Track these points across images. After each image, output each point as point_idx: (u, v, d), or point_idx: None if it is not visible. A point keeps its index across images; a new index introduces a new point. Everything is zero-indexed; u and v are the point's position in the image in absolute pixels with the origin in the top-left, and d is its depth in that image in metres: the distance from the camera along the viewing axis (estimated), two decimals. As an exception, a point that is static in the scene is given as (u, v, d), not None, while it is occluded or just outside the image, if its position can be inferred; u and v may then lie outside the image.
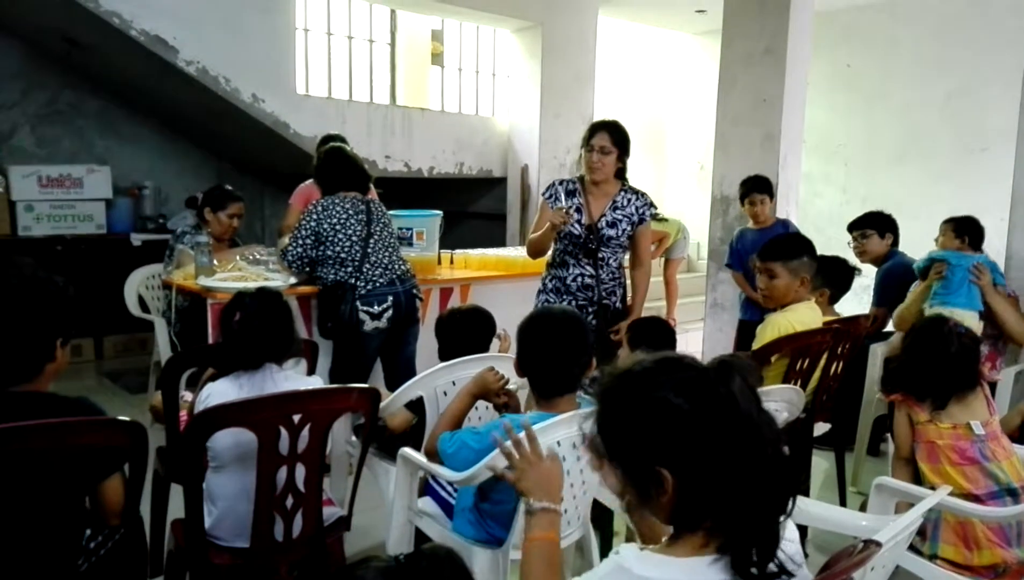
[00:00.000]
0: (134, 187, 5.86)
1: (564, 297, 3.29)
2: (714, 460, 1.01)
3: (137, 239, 5.57)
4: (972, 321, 3.45)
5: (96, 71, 5.66)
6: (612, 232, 3.27)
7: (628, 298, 3.44)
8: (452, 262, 4.61)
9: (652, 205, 3.37)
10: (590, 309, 3.28)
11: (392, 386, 3.13)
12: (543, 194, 3.39)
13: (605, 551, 2.54)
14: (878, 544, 1.22)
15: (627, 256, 3.44)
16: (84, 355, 5.43)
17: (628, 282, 3.45)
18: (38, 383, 1.72)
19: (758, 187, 4.61)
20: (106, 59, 5.32)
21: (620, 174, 3.31)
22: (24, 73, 5.52)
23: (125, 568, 1.81)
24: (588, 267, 3.29)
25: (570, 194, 3.31)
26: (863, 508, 2.36)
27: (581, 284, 3.29)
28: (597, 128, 3.26)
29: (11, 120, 5.52)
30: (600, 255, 3.28)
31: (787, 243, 3.07)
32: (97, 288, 4.57)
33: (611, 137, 3.22)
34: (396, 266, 3.40)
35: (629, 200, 3.31)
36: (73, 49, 5.20)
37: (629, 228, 3.30)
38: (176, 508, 2.08)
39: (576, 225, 3.24)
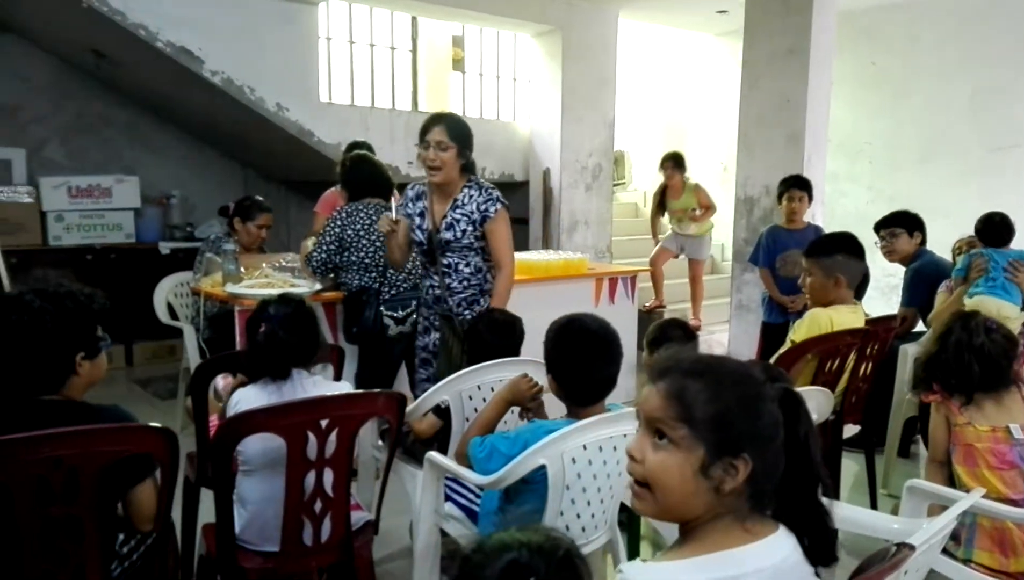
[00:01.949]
0: (162, 196, 5.94)
1: (430, 309, 3.09)
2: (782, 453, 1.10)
3: (165, 247, 5.65)
4: (1013, 312, 3.39)
5: (124, 83, 5.75)
6: (449, 234, 2.94)
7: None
8: (475, 267, 4.60)
9: (498, 199, 2.97)
10: (435, 322, 3.06)
11: (417, 391, 3.15)
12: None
13: (632, 555, 2.53)
14: (911, 547, 1.21)
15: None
16: (115, 362, 5.50)
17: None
18: (66, 393, 1.75)
19: (799, 184, 4.59)
20: (133, 71, 5.40)
21: (468, 170, 2.99)
22: (54, 86, 5.63)
23: (157, 572, 1.84)
24: (434, 277, 3.02)
25: (418, 198, 3.04)
26: (895, 511, 2.32)
27: (433, 296, 3.03)
28: (432, 122, 2.90)
29: (41, 132, 5.62)
30: (446, 261, 2.97)
31: (824, 240, 3.06)
32: (127, 296, 4.64)
33: (448, 132, 2.87)
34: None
35: (471, 197, 2.95)
36: (101, 62, 5.29)
37: (470, 228, 2.93)
38: (207, 513, 2.10)
39: (418, 231, 3.00)
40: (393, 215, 3.02)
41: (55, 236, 5.36)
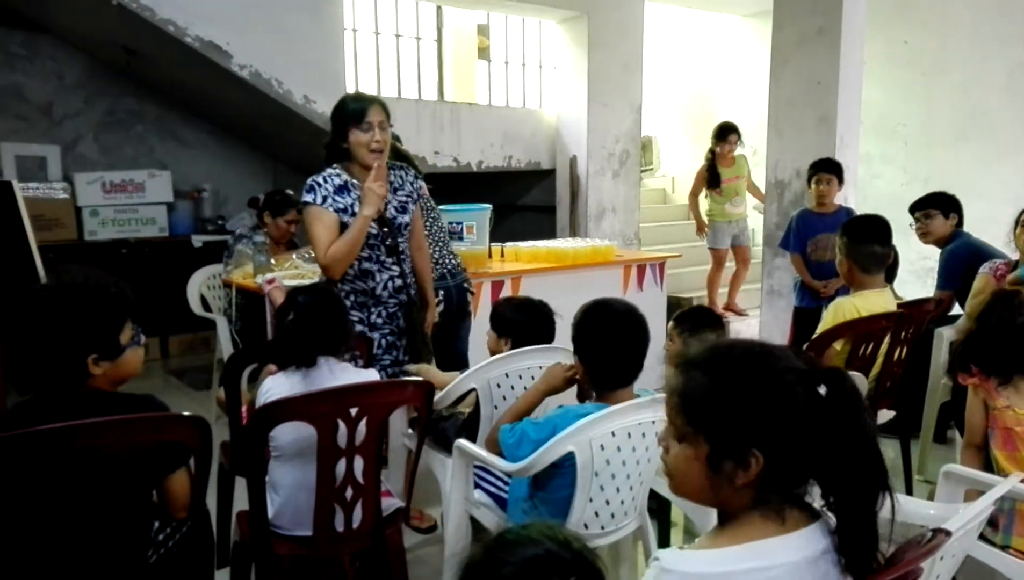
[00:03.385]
0: (193, 190, 6.02)
1: (372, 310, 2.81)
2: (809, 448, 1.03)
3: (198, 241, 5.73)
4: None
5: (154, 78, 5.83)
6: (405, 218, 2.83)
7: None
8: (503, 255, 4.62)
9: (419, 175, 2.95)
10: (399, 313, 2.85)
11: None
12: (308, 200, 2.69)
13: (663, 541, 2.53)
14: (948, 533, 1.19)
15: None
16: (150, 354, 5.61)
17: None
18: (92, 386, 1.72)
19: (828, 167, 4.53)
20: (163, 67, 5.47)
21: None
22: (86, 83, 5.72)
23: (193, 559, 1.87)
24: (395, 267, 2.81)
25: (342, 190, 2.71)
26: (930, 497, 2.29)
27: (393, 288, 2.82)
28: (367, 103, 2.68)
29: (75, 129, 5.72)
30: (401, 249, 2.84)
31: (852, 222, 3.03)
32: (161, 289, 4.72)
33: (385, 111, 2.70)
34: (447, 260, 3.42)
35: (402, 178, 2.87)
36: (131, 58, 5.36)
37: (413, 207, 2.87)
38: (241, 501, 2.14)
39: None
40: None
41: (90, 231, 5.46)
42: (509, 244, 4.70)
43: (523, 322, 2.65)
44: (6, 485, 1.56)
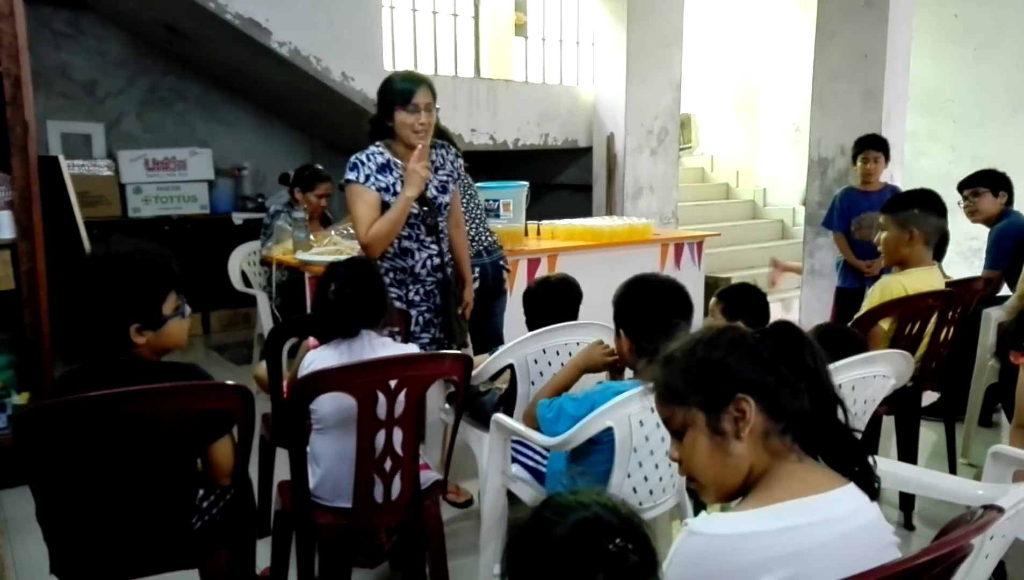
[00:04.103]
0: (234, 168, 6.08)
1: (411, 287, 2.83)
2: (778, 379, 1.13)
3: (238, 218, 5.80)
4: None
5: (195, 57, 5.89)
6: (446, 198, 2.84)
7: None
8: (539, 233, 4.60)
9: (459, 153, 2.97)
10: (436, 291, 2.85)
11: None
12: (351, 178, 2.71)
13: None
14: (1000, 509, 1.16)
15: None
16: (192, 330, 5.69)
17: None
18: (137, 354, 1.75)
19: (874, 144, 4.39)
20: (204, 44, 5.51)
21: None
22: (129, 62, 5.80)
23: (236, 526, 1.91)
24: (433, 246, 2.82)
25: (385, 168, 2.72)
26: (976, 480, 2.24)
27: (432, 267, 2.83)
28: (415, 84, 2.67)
29: (118, 107, 5.81)
30: (440, 228, 2.85)
31: (901, 195, 2.95)
32: (202, 266, 4.79)
33: (432, 92, 2.70)
34: (483, 237, 3.41)
35: (443, 157, 2.87)
36: (173, 36, 5.42)
37: (453, 187, 2.89)
38: (282, 471, 2.17)
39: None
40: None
41: (134, 208, 5.56)
42: (545, 222, 4.67)
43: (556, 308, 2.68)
44: (57, 450, 1.60)
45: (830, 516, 1.06)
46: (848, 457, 1.14)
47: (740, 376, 1.12)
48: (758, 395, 1.11)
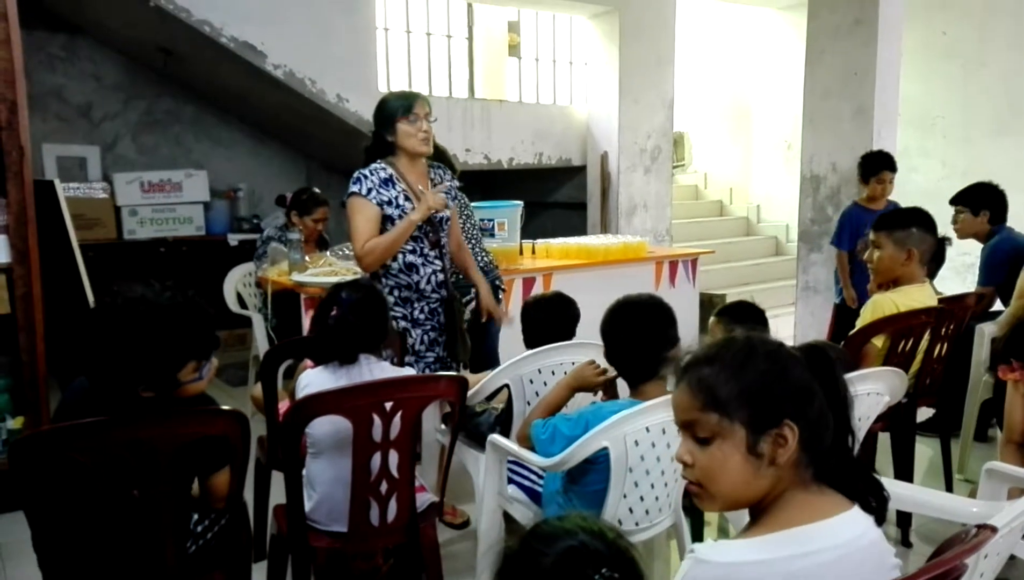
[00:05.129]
0: (229, 189, 6.09)
1: (416, 305, 2.84)
2: (824, 415, 1.08)
3: (234, 239, 5.80)
4: None
5: (190, 79, 5.92)
6: (446, 213, 2.87)
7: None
8: (534, 252, 4.62)
9: (456, 173, 3.05)
10: (440, 309, 2.86)
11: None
12: (354, 190, 2.76)
13: (697, 539, 2.51)
14: (993, 529, 1.16)
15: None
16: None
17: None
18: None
19: (890, 165, 4.38)
20: (199, 67, 5.55)
21: None
22: (124, 85, 5.82)
23: (231, 551, 1.90)
24: (437, 261, 2.85)
25: (387, 183, 2.77)
26: (971, 497, 2.24)
27: (436, 283, 2.85)
28: (411, 97, 2.78)
29: (114, 129, 5.83)
30: (443, 243, 2.88)
31: (896, 213, 2.96)
32: (198, 287, 4.75)
33: (429, 105, 2.80)
34: (478, 257, 3.42)
35: (440, 174, 2.96)
36: (168, 59, 5.45)
37: (453, 204, 2.95)
38: (278, 495, 2.16)
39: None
40: (439, 189, 2.84)
41: (129, 230, 5.55)
42: (540, 241, 4.69)
43: (552, 327, 2.68)
44: (53, 477, 1.60)
45: (837, 542, 1.05)
46: (855, 481, 1.12)
47: (792, 401, 1.07)
48: (802, 425, 1.06)
